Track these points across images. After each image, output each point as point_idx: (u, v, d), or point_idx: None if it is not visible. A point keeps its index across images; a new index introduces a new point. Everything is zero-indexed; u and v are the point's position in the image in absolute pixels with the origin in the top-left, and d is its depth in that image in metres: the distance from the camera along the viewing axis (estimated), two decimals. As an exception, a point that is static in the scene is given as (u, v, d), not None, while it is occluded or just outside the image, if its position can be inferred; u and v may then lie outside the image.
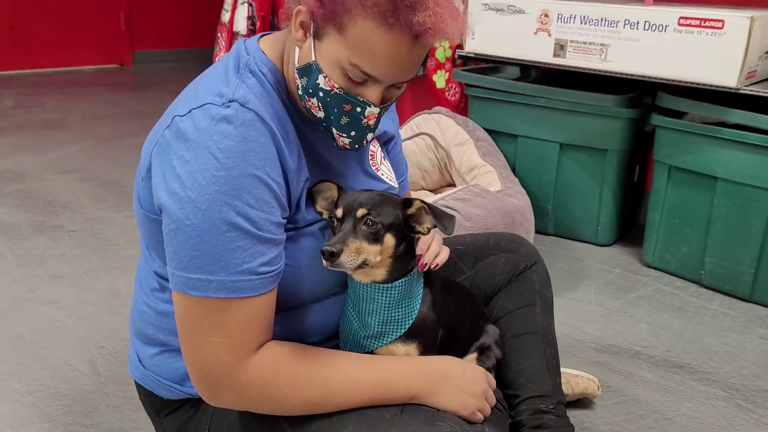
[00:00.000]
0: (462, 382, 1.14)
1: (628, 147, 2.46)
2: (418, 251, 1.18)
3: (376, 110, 1.05)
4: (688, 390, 1.70)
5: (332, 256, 0.99)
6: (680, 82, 2.18)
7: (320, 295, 1.17)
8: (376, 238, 1.05)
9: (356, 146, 1.10)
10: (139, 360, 1.27)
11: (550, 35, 2.39)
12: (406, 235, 1.10)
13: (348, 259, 1.01)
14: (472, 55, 2.63)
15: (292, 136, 1.07)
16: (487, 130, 2.61)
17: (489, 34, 2.54)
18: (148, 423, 1.46)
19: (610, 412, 1.59)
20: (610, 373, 1.74)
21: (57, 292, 2.10)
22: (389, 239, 1.06)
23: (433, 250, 1.21)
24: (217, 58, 3.87)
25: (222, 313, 1.00)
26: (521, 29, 2.45)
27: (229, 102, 1.01)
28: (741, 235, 2.15)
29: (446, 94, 2.97)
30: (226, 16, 3.76)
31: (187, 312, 1.02)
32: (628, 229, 2.71)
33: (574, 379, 1.58)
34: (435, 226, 1.11)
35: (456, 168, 2.49)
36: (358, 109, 1.04)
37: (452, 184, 2.61)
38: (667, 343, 1.91)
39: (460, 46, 2.69)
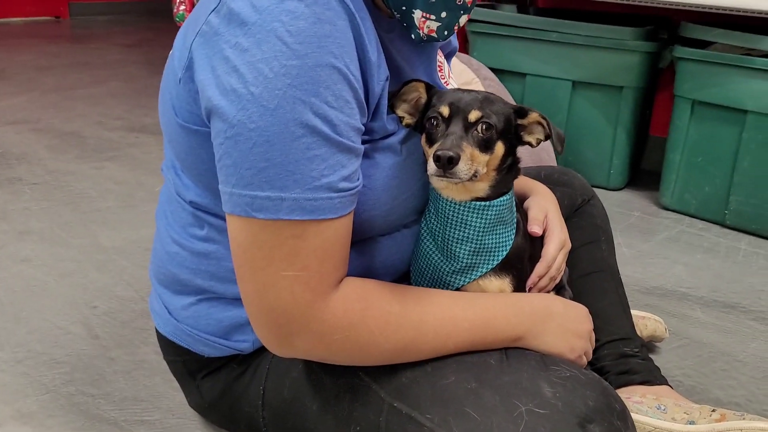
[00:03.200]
0: (566, 320, 0.98)
1: (645, 84, 2.32)
2: (530, 223, 1.05)
3: None
4: (747, 330, 1.58)
5: (450, 163, 0.80)
6: (712, 8, 2.04)
7: (393, 224, 0.97)
8: (487, 146, 0.86)
9: (445, 32, 0.90)
10: (169, 312, 1.05)
11: (565, -39, 2.21)
12: (514, 144, 0.92)
13: (464, 168, 0.82)
14: (475, -13, 2.43)
15: (369, 24, 0.86)
16: (492, 69, 2.43)
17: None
18: (168, 389, 1.26)
19: (678, 356, 1.46)
20: (663, 315, 1.61)
21: (28, 248, 1.82)
22: (499, 147, 0.88)
23: (556, 236, 1.07)
24: (178, 11, 3.55)
25: (296, 239, 0.78)
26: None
27: None
28: (771, 171, 2.05)
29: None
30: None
31: (250, 240, 0.80)
32: (635, 173, 2.60)
33: (641, 321, 1.44)
34: (547, 139, 0.93)
35: (464, 108, 2.31)
36: None
37: (456, 127, 2.42)
38: (710, 284, 1.80)
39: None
